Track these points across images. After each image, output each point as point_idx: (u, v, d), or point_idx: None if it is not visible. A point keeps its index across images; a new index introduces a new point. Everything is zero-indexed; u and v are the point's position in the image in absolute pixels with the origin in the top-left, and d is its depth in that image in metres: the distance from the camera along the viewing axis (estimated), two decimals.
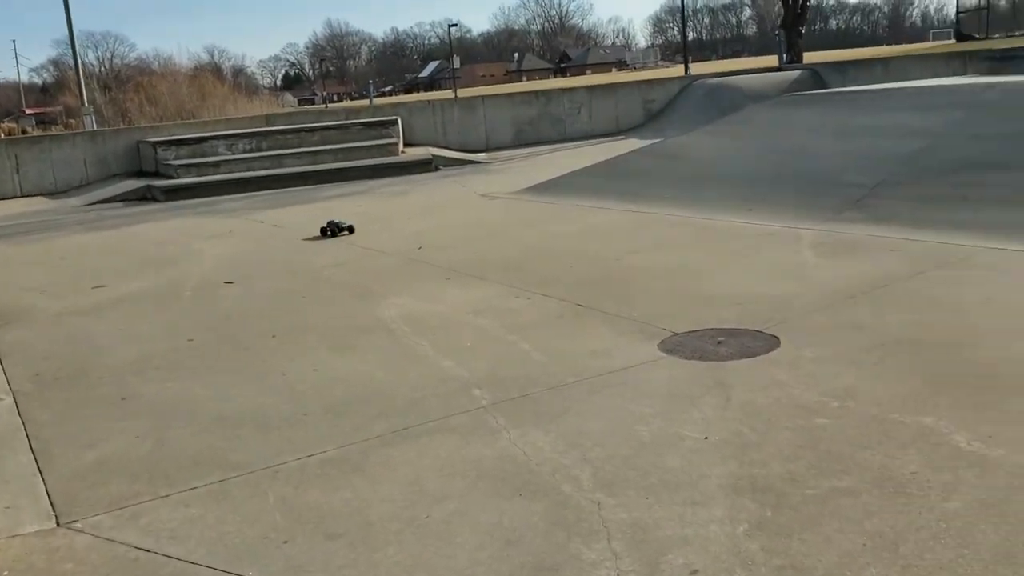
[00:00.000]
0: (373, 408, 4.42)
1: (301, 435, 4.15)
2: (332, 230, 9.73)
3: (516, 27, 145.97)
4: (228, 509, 3.46)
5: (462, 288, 6.82)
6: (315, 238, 9.66)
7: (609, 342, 5.12)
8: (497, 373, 4.76)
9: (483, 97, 22.44)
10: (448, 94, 31.35)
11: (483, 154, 19.18)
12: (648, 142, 14.89)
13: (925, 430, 3.56)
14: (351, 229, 9.73)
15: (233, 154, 17.02)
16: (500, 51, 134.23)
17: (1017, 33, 30.76)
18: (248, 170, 16.51)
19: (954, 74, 17.74)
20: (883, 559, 2.69)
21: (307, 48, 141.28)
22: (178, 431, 4.33)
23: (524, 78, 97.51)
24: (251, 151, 17.20)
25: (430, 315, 6.11)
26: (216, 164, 16.64)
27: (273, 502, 3.49)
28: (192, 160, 16.60)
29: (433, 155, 17.68)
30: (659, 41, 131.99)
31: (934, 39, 61.01)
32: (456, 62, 51.93)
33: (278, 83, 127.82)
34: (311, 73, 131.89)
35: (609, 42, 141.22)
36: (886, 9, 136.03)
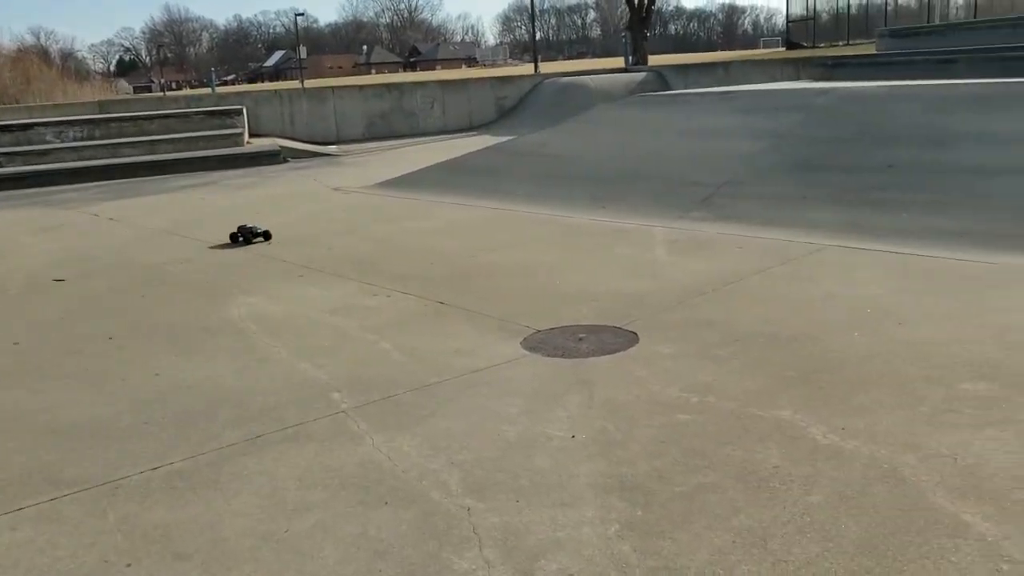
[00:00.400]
0: (224, 415, 4.15)
1: (144, 446, 3.84)
2: (245, 236, 8.29)
3: (365, 19, 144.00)
4: (62, 531, 3.15)
5: (317, 286, 6.57)
6: (223, 245, 8.33)
7: (472, 340, 5.04)
8: (357, 375, 4.59)
9: (333, 88, 21.93)
10: (295, 84, 30.45)
11: (333, 147, 18.74)
12: (502, 139, 14.94)
13: (783, 424, 3.66)
14: (267, 235, 8.37)
15: (63, 142, 15.91)
16: (348, 43, 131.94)
17: (840, 43, 32.81)
18: (80, 159, 15.47)
19: (789, 79, 18.71)
20: (753, 555, 2.73)
21: (144, 33, 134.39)
22: (3, 445, 3.93)
23: (373, 71, 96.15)
24: (83, 139, 16.13)
25: (284, 315, 5.85)
26: (44, 153, 15.50)
27: (114, 521, 3.21)
28: (16, 148, 15.40)
29: (281, 146, 17.13)
30: (508, 39, 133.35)
31: (764, 46, 64.33)
32: (303, 52, 50.54)
33: (112, 69, 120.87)
34: (148, 59, 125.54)
35: (459, 38, 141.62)
36: (720, 17, 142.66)
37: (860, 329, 4.81)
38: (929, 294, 5.37)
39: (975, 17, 23.26)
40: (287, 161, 16.48)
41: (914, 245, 6.55)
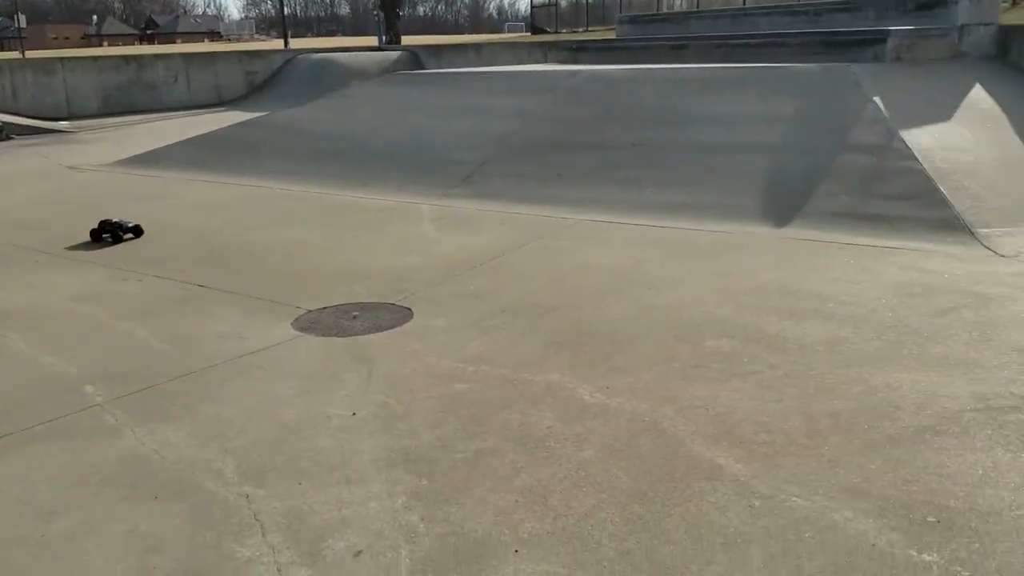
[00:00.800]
0: None
1: None
2: (112, 233, 6.86)
3: None
4: None
5: (58, 272, 6.03)
6: (82, 245, 6.84)
7: (239, 324, 4.84)
8: (113, 366, 4.27)
9: (63, 60, 20.07)
10: (15, 55, 27.55)
11: (65, 122, 17.21)
12: (254, 114, 14.35)
13: (553, 387, 3.84)
14: (137, 231, 7.03)
15: None
16: (75, 12, 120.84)
17: (581, 29, 34.45)
18: None
19: (537, 62, 19.38)
20: (535, 513, 2.85)
21: None
22: None
23: (105, 43, 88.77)
24: None
25: (20, 305, 5.32)
26: None
27: None
28: None
29: (3, 122, 15.46)
30: (253, 14, 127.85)
31: (510, 31, 66.02)
32: (22, 21, 45.66)
33: None
34: None
35: (200, 11, 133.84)
36: (467, 0, 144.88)
37: (615, 296, 5.12)
38: (672, 262, 5.81)
39: (697, 8, 25.21)
40: (11, 138, 14.94)
41: (657, 217, 7.05)
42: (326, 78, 19.98)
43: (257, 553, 2.71)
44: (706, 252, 6.04)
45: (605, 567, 2.56)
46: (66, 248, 6.79)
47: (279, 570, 2.62)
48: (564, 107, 10.06)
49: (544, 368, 4.06)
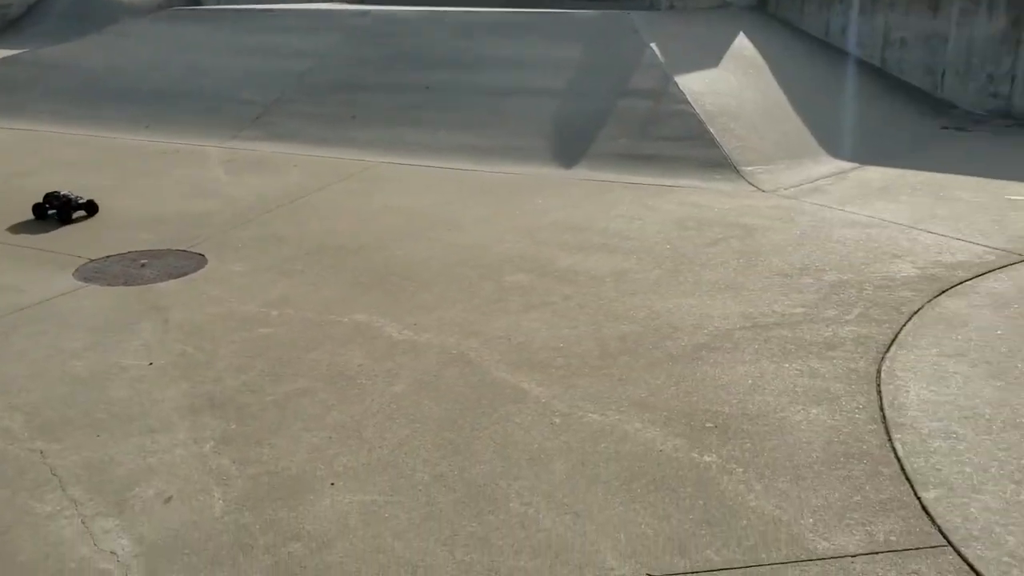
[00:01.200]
0: None
1: None
2: (60, 210, 5.50)
3: None
4: None
5: None
6: (24, 224, 5.47)
7: (13, 276, 4.50)
8: None
9: None
10: None
11: None
12: (13, 52, 13.04)
13: (361, 326, 3.88)
14: (91, 207, 5.68)
15: None
16: None
17: None
18: None
19: (322, 0, 18.77)
20: (350, 446, 2.91)
21: None
22: None
23: None
24: None
25: None
26: None
27: None
28: None
29: None
30: None
31: None
32: None
33: None
34: None
35: None
36: None
37: (417, 236, 5.20)
38: (470, 203, 5.95)
39: None
40: None
41: (452, 159, 7.15)
42: (93, 13, 18.40)
43: (58, 507, 2.61)
44: (501, 193, 6.21)
45: (421, 491, 2.67)
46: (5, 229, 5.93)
47: (84, 522, 2.55)
48: (356, 47, 9.88)
49: (351, 308, 4.09)
